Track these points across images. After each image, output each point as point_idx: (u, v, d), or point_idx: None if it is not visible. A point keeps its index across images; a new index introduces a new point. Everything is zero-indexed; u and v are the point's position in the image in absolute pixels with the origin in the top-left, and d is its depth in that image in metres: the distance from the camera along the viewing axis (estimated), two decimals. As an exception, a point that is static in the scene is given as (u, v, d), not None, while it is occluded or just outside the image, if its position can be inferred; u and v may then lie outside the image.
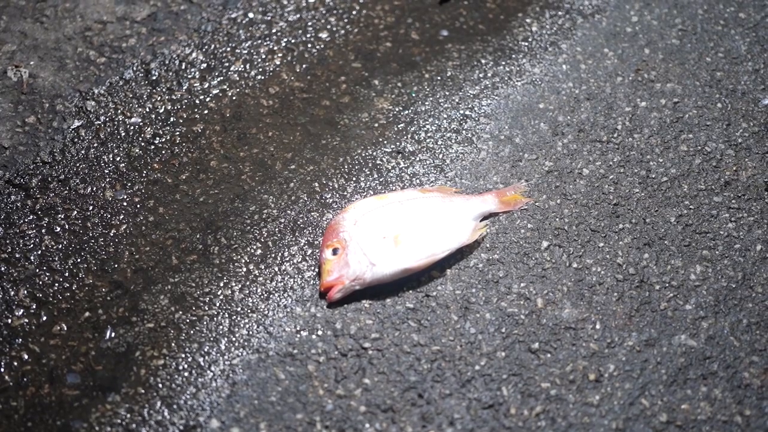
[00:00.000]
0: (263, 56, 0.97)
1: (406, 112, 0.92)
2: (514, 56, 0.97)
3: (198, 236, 0.82)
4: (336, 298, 0.76)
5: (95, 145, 0.89)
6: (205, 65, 0.96)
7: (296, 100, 0.93)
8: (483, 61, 0.97)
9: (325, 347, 0.75)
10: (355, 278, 0.76)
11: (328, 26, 1.00)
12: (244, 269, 0.80)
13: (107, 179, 0.86)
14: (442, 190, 0.83)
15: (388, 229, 0.79)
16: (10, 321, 0.76)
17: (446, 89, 0.94)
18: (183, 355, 0.74)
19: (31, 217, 0.83)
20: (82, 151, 0.88)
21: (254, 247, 0.81)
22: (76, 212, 0.84)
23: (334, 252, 0.77)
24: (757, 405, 0.72)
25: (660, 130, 0.90)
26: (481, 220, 0.82)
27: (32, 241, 0.81)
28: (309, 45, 0.98)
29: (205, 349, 0.75)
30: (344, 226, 0.79)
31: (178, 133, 0.90)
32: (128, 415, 0.71)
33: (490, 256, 0.80)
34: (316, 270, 0.80)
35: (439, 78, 0.95)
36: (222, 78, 0.95)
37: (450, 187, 0.85)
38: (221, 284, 0.79)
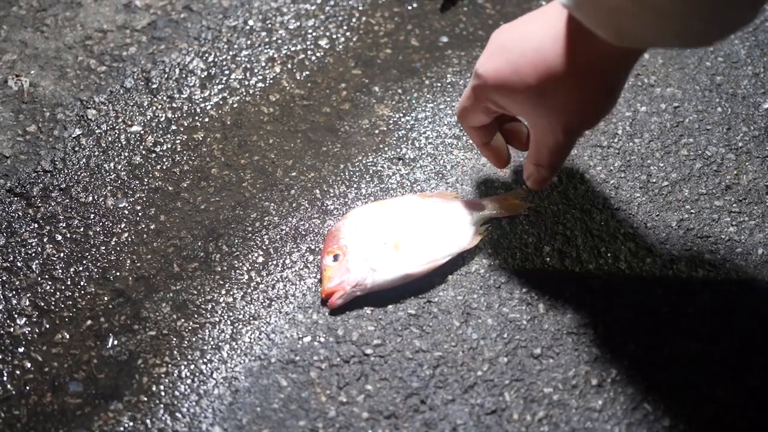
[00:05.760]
0: (263, 64, 0.97)
1: (407, 118, 0.92)
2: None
3: (199, 244, 0.82)
4: (338, 304, 0.76)
5: (96, 153, 0.89)
6: (205, 73, 0.96)
7: (297, 107, 0.93)
8: (483, 67, 0.97)
9: (327, 354, 0.75)
10: (356, 284, 0.76)
11: (328, 33, 1.00)
12: (246, 276, 0.80)
13: (108, 187, 0.86)
14: (442, 195, 0.83)
15: (388, 234, 0.79)
16: (12, 330, 0.76)
17: (447, 95, 0.94)
18: (185, 363, 0.74)
19: (33, 225, 0.83)
20: (83, 160, 0.88)
21: (256, 254, 0.81)
22: (77, 221, 0.84)
23: (335, 258, 0.77)
24: (762, 407, 0.71)
25: (660, 134, 0.90)
26: (482, 225, 0.82)
27: (34, 249, 0.81)
28: (309, 52, 0.99)
29: (207, 357, 0.75)
30: (345, 233, 0.79)
31: (179, 141, 0.90)
32: (131, 423, 0.71)
33: (492, 261, 0.80)
34: (318, 277, 0.80)
35: (439, 84, 0.95)
36: (222, 86, 0.95)
37: (450, 192, 0.85)
38: (223, 292, 0.79)
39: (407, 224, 0.80)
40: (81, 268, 0.80)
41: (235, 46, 0.99)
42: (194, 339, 0.76)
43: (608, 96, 0.67)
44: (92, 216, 0.84)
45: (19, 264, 0.80)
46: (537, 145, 0.72)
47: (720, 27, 0.57)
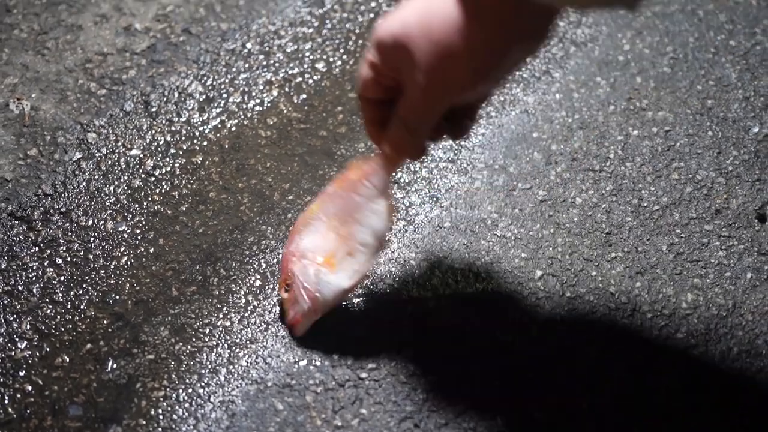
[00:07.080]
0: (261, 87, 0.98)
1: (402, 142, 0.93)
2: (507, 85, 0.99)
3: (198, 267, 0.83)
4: (301, 333, 0.77)
5: (96, 177, 0.90)
6: (204, 96, 0.97)
7: (294, 130, 0.95)
8: (477, 91, 0.98)
9: (322, 378, 0.76)
10: (307, 311, 0.75)
11: (325, 57, 1.02)
12: (243, 300, 0.81)
13: (108, 211, 0.88)
14: (346, 180, 0.76)
15: (319, 251, 0.75)
16: (13, 353, 0.78)
17: (441, 119, 0.96)
18: (183, 387, 0.76)
19: (34, 249, 0.84)
20: (84, 183, 0.90)
21: (253, 278, 0.83)
22: (77, 244, 0.85)
23: (287, 289, 0.76)
24: (754, 430, 0.73)
25: (652, 158, 0.91)
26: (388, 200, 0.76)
27: (35, 273, 0.83)
28: (306, 75, 1.00)
29: (205, 381, 0.76)
30: (288, 258, 0.77)
31: (177, 164, 0.91)
32: (129, 447, 0.72)
33: (485, 285, 0.82)
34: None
35: (434, 108, 0.97)
36: (221, 109, 0.96)
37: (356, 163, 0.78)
38: (221, 315, 0.80)
39: (331, 236, 0.75)
40: (81, 292, 0.82)
41: (234, 70, 1.00)
42: (192, 363, 0.77)
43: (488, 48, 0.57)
44: (92, 239, 0.85)
45: (20, 288, 0.82)
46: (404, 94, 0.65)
47: None
